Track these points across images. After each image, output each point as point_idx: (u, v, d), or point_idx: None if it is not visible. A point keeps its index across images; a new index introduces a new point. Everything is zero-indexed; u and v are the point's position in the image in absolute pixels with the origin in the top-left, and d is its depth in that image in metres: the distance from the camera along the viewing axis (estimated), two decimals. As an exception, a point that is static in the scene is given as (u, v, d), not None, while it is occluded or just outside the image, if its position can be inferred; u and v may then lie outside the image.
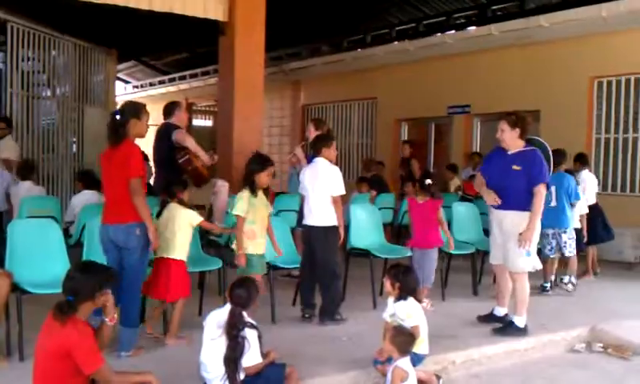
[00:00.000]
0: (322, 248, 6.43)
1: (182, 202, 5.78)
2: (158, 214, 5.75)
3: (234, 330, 4.30)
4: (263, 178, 5.94)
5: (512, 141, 6.21)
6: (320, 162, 6.53)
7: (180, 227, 5.67)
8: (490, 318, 6.57)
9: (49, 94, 13.57)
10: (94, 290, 3.74)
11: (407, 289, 5.10)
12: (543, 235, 7.60)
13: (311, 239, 6.53)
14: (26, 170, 8.87)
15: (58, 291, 4.99)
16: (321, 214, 6.43)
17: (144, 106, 5.47)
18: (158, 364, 4.84)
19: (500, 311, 6.60)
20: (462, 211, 8.69)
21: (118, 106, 5.69)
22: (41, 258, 5.50)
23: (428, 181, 7.29)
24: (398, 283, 5.12)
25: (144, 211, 5.12)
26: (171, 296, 5.65)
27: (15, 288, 5.31)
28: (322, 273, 6.47)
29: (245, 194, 5.86)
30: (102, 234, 5.29)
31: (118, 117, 5.22)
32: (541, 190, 6.05)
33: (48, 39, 12.72)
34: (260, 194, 5.95)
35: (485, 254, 8.00)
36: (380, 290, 7.27)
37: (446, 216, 9.79)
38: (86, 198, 8.41)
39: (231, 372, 4.27)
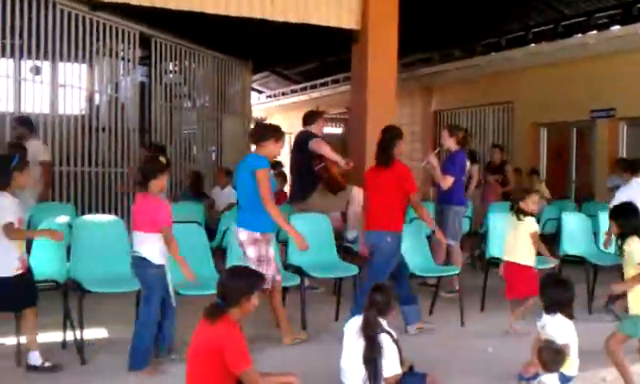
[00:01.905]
0: None
1: (522, 211, 6.22)
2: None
3: (369, 331, 4.28)
4: None
5: None
6: None
7: (520, 234, 6.21)
8: None
9: (189, 105, 14.20)
10: (240, 296, 3.80)
11: (552, 303, 4.80)
12: None
13: None
14: None
15: (205, 293, 5.25)
16: None
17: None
18: (297, 366, 4.87)
19: None
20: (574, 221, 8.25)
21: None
22: (189, 261, 5.71)
23: None
24: (542, 296, 4.90)
25: (426, 217, 6.16)
26: (520, 295, 6.18)
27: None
28: None
29: None
30: (365, 237, 6.29)
31: (383, 139, 6.22)
32: None
33: (188, 52, 13.32)
34: None
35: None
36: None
37: (553, 226, 9.40)
38: None
39: (371, 372, 4.22)
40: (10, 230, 4.83)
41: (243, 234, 5.64)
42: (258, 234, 5.60)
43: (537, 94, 13.87)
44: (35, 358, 5.05)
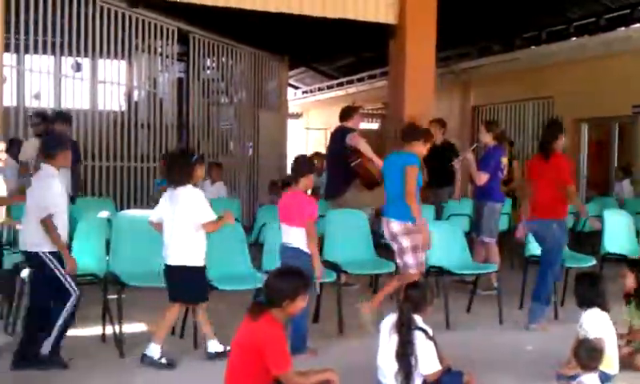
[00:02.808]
0: None
1: None
2: None
3: (402, 326, 4.26)
4: None
5: None
6: None
7: None
8: None
9: (226, 100, 14.28)
10: (282, 299, 3.75)
11: (583, 299, 4.83)
12: None
13: None
14: None
15: (242, 287, 5.28)
16: None
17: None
18: (334, 363, 4.84)
19: None
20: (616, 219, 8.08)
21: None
22: (226, 256, 5.77)
23: None
24: (575, 294, 4.85)
25: (581, 207, 6.75)
26: None
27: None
28: None
29: None
30: (529, 224, 6.56)
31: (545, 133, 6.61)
32: None
33: (226, 48, 13.38)
34: None
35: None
36: (561, 301, 6.92)
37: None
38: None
39: (403, 368, 4.20)
40: (212, 224, 5.13)
41: (396, 225, 5.91)
42: (410, 224, 5.86)
43: (578, 88, 13.60)
44: (215, 346, 5.24)
